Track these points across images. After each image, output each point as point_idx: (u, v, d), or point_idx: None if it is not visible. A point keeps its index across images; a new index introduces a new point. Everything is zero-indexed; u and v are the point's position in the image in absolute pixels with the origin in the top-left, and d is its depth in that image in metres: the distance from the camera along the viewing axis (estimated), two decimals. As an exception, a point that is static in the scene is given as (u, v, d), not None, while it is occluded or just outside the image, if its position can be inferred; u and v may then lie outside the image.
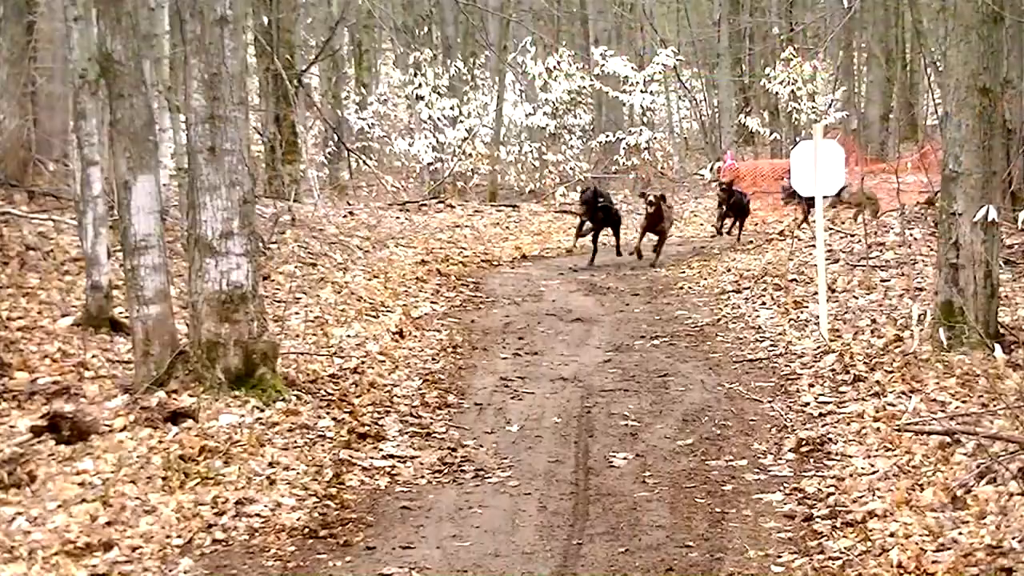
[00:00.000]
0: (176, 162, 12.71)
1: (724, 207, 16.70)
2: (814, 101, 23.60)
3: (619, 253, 15.35)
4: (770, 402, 8.24)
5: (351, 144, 23.00)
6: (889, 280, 10.98)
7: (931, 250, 10.96)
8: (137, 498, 6.19)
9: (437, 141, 23.41)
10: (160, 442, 6.88)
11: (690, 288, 12.80)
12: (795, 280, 11.74)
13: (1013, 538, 5.29)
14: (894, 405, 7.53)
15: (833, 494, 6.35)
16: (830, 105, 24.48)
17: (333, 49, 23.97)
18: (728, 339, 10.27)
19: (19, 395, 7.55)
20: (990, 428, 6.59)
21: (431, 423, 7.97)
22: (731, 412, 8.08)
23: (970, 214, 8.07)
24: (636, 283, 13.30)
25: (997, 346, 7.66)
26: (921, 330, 8.48)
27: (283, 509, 6.28)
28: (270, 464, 6.80)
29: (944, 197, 8.41)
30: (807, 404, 8.07)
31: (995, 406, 6.95)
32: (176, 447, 6.79)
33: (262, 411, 7.51)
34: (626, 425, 7.86)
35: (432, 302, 12.15)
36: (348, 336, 9.93)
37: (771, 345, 9.78)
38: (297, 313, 10.48)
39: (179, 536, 5.91)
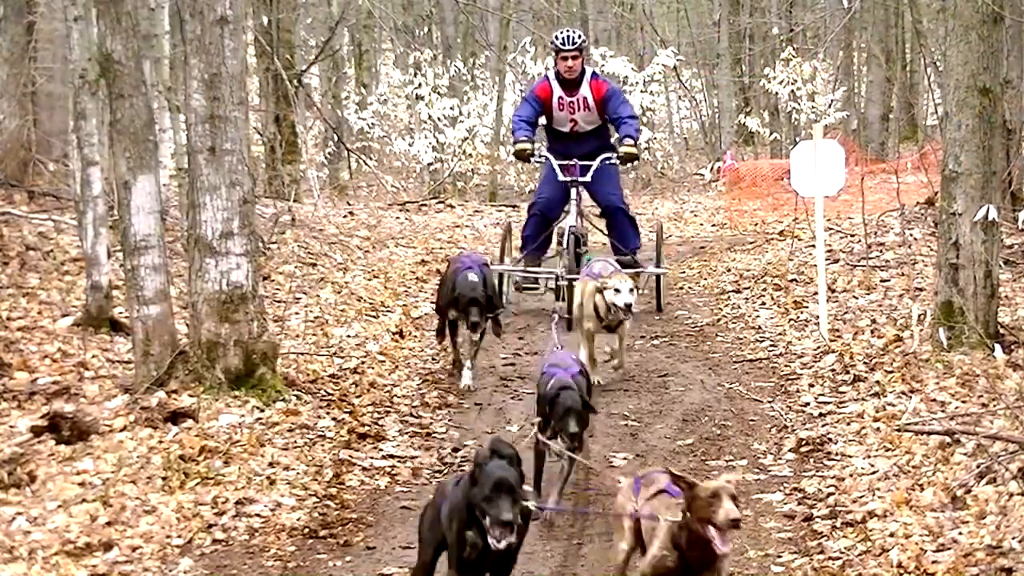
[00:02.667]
0: (176, 162, 12.69)
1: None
2: (814, 101, 23.56)
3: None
4: (770, 402, 8.24)
5: (351, 144, 22.95)
6: (889, 280, 10.96)
7: (931, 250, 10.94)
8: (137, 498, 6.19)
9: (437, 141, 23.39)
10: (160, 442, 6.88)
11: (690, 288, 12.79)
12: (795, 280, 11.73)
13: (1013, 538, 5.30)
14: (894, 405, 7.53)
15: (833, 494, 6.36)
16: (830, 105, 24.44)
17: (333, 49, 23.93)
18: (728, 339, 10.26)
19: (19, 395, 7.55)
20: (990, 428, 6.59)
21: (431, 423, 7.97)
22: (731, 412, 8.08)
23: (970, 214, 8.07)
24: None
25: (997, 346, 7.67)
26: (921, 330, 8.48)
27: (283, 509, 6.29)
28: (270, 464, 6.81)
29: (944, 197, 8.40)
30: (807, 404, 8.07)
31: (995, 406, 6.95)
32: (176, 447, 6.79)
33: (262, 411, 7.51)
34: (626, 425, 7.86)
35: (432, 302, 12.13)
36: (348, 336, 9.93)
37: (771, 345, 9.78)
38: (297, 313, 10.47)
39: (179, 536, 5.91)
